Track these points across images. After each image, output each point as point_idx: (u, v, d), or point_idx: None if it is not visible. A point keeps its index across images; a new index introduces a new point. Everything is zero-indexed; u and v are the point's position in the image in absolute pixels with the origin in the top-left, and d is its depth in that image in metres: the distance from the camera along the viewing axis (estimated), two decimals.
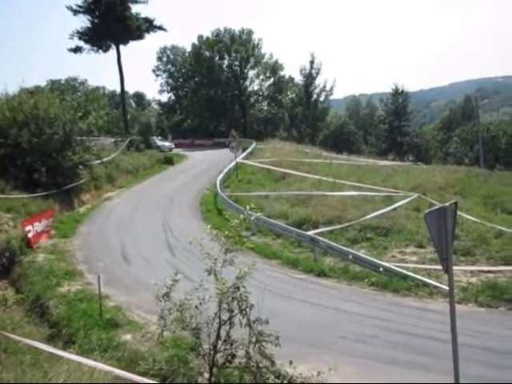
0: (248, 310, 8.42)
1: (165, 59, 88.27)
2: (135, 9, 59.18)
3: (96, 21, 56.79)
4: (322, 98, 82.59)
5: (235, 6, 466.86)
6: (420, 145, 75.63)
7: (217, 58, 79.70)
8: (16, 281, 18.49)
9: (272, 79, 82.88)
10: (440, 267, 7.68)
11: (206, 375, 9.70)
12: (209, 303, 8.66)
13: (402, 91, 78.73)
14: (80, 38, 57.85)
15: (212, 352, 8.73)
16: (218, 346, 8.69)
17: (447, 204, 7.42)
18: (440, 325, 11.26)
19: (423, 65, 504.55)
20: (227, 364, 8.80)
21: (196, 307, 8.72)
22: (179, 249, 21.04)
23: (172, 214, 28.35)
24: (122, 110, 63.66)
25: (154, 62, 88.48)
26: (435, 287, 15.48)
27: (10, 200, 24.66)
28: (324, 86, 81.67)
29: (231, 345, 8.68)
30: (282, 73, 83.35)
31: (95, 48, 58.79)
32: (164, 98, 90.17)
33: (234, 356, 8.70)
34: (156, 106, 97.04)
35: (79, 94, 70.63)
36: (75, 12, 56.67)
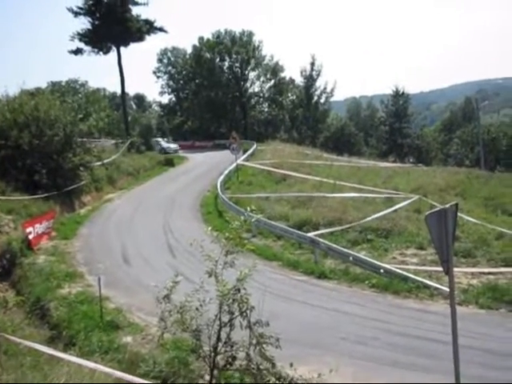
0: (248, 311, 8.40)
1: (165, 61, 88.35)
2: (136, 11, 59.42)
3: (96, 22, 56.95)
4: (322, 100, 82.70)
5: (236, 7, 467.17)
6: (421, 146, 75.60)
7: (217, 59, 79.77)
8: (16, 283, 18.49)
9: (273, 81, 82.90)
10: (441, 269, 7.68)
11: (207, 377, 9.69)
12: (209, 305, 8.65)
13: (403, 93, 78.77)
14: (80, 40, 58.06)
15: (212, 354, 8.71)
16: (219, 348, 8.68)
17: (448, 206, 7.41)
18: (441, 326, 11.25)
19: (423, 67, 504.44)
20: (228, 366, 8.78)
21: (196, 309, 8.70)
22: (180, 250, 21.02)
23: (172, 216, 28.35)
24: (122, 112, 63.81)
25: (154, 64, 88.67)
26: (436, 289, 15.47)
27: (11, 202, 24.68)
28: (325, 88, 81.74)
29: (232, 347, 8.66)
30: (282, 74, 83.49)
31: (96, 50, 58.97)
32: (165, 99, 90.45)
33: (234, 358, 8.68)
34: (157, 108, 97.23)
35: (80, 95, 70.60)
36: (76, 14, 56.90)
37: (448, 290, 8.36)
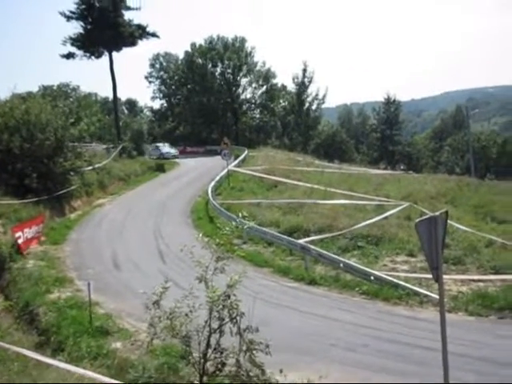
0: (238, 318, 8.39)
1: (158, 66, 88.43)
2: (128, 15, 59.04)
3: (89, 27, 56.68)
4: (314, 107, 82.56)
5: (229, 13, 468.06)
6: (411, 154, 76.00)
7: (209, 65, 79.99)
8: (5, 287, 18.35)
9: (264, 87, 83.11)
10: (431, 276, 7.70)
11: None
12: (199, 311, 8.63)
13: (394, 100, 79.33)
14: (73, 44, 57.70)
15: (202, 360, 8.68)
16: (208, 355, 8.65)
17: (438, 213, 7.44)
18: (430, 333, 11.25)
19: (415, 74, 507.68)
20: (217, 372, 8.74)
21: (186, 315, 8.68)
22: (170, 256, 20.98)
23: (163, 221, 28.29)
24: (114, 117, 63.56)
25: (146, 69, 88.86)
26: (426, 296, 15.51)
27: (1, 206, 24.55)
28: (316, 95, 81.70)
29: (221, 353, 8.63)
30: (274, 81, 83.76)
31: (88, 54, 58.61)
32: (156, 104, 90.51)
33: (224, 364, 8.65)
34: (148, 113, 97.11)
35: (71, 100, 70.38)
36: (68, 18, 56.56)
37: (438, 297, 8.37)
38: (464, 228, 22.52)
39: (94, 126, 65.34)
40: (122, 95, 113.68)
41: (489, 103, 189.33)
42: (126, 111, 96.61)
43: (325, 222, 23.72)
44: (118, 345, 12.99)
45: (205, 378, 8.79)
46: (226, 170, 38.78)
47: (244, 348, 8.42)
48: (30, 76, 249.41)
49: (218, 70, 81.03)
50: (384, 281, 16.67)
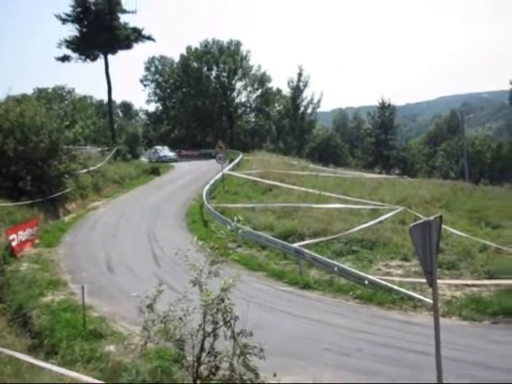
0: (232, 321, 8.39)
1: (153, 69, 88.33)
2: (124, 18, 59.14)
3: (84, 30, 56.74)
4: (309, 111, 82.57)
5: (224, 17, 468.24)
6: (406, 158, 76.16)
7: (205, 69, 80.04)
8: None
9: (259, 91, 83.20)
10: (425, 280, 7.71)
11: None
12: (193, 315, 8.62)
13: (389, 105, 79.47)
14: (68, 47, 57.75)
15: (196, 364, 8.67)
16: (202, 358, 8.64)
17: (432, 218, 7.46)
18: (424, 338, 11.25)
19: (410, 79, 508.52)
20: (211, 376, 8.74)
21: (180, 319, 8.67)
22: (164, 260, 20.95)
23: (158, 225, 28.26)
24: (109, 120, 63.52)
25: (141, 72, 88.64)
26: (420, 300, 15.51)
27: None
28: (311, 99, 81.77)
29: (215, 357, 8.63)
30: (269, 85, 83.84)
31: (83, 57, 58.66)
32: (151, 108, 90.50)
33: (217, 368, 8.65)
34: (143, 116, 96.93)
35: (66, 102, 70.20)
36: (64, 21, 56.62)
37: (432, 301, 8.39)
38: (458, 233, 22.55)
39: (89, 128, 65.12)
40: (117, 98, 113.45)
41: (483, 108, 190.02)
42: (121, 114, 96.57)
43: (319, 226, 23.73)
44: (112, 348, 12.94)
45: (198, 382, 8.77)
46: (220, 174, 38.78)
47: (238, 352, 8.41)
48: (25, 78, 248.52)
49: (214, 73, 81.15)
50: (378, 285, 16.68)
